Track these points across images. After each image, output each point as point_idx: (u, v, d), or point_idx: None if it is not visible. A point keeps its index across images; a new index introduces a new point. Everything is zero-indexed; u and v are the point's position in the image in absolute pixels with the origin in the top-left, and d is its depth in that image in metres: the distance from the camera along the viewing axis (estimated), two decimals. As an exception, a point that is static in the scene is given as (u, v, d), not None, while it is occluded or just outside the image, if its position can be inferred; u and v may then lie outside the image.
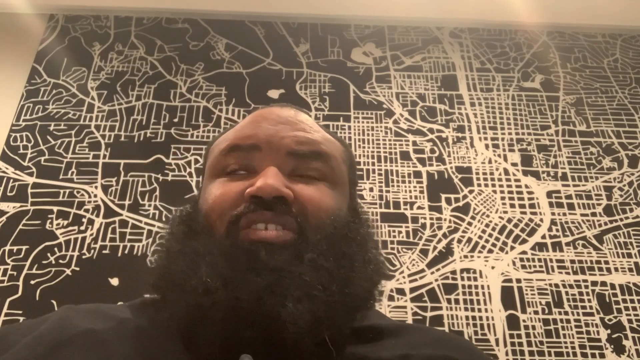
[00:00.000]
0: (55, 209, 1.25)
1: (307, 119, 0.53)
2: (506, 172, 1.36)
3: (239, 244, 0.44)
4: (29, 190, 1.27)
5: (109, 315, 0.47)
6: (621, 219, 1.30)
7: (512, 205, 1.31)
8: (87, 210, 1.25)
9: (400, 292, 1.18)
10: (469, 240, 1.26)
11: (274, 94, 1.46)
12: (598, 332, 1.14)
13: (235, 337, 0.41)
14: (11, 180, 1.28)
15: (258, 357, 0.40)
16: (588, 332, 1.14)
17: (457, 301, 1.17)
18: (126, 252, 1.20)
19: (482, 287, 1.19)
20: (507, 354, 1.11)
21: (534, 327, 1.14)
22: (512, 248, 1.25)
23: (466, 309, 1.16)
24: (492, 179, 1.35)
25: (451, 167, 1.36)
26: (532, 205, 1.31)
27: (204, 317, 0.41)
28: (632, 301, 1.19)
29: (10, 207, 1.24)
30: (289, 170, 0.48)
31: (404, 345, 0.47)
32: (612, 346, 1.13)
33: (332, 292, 0.42)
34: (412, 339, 0.49)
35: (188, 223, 0.49)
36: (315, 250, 0.44)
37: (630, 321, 1.16)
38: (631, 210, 1.31)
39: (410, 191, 1.32)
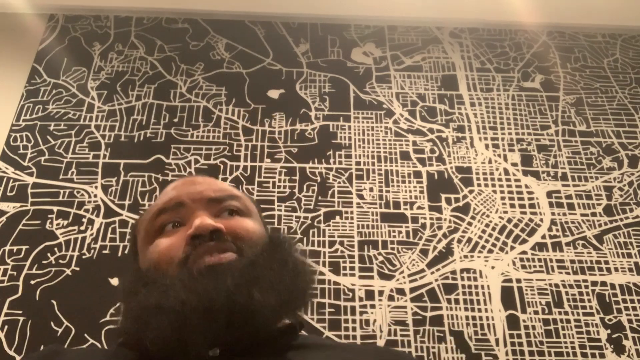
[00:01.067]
0: (55, 209, 1.25)
1: (214, 179, 0.66)
2: (506, 172, 1.36)
3: (198, 271, 0.51)
4: (29, 190, 1.27)
5: (88, 355, 0.55)
6: (621, 219, 1.30)
7: (512, 205, 1.31)
8: (87, 210, 1.25)
9: (400, 292, 1.18)
10: (469, 240, 1.26)
11: (274, 94, 1.46)
12: (598, 332, 1.14)
13: (216, 337, 0.48)
14: (11, 180, 1.28)
15: (235, 344, 0.49)
16: (588, 332, 1.14)
17: (457, 301, 1.17)
18: (126, 252, 1.20)
19: (482, 287, 1.19)
20: (507, 354, 1.11)
21: (534, 327, 1.14)
22: (512, 248, 1.25)
23: (466, 309, 1.16)
24: (492, 179, 1.35)
25: (451, 167, 1.36)
26: (532, 205, 1.31)
27: (185, 325, 0.47)
28: (632, 301, 1.18)
29: (10, 207, 1.24)
30: (213, 213, 0.58)
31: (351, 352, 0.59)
32: (612, 346, 1.13)
33: (286, 283, 0.52)
34: (354, 349, 0.62)
35: (141, 278, 0.55)
36: (261, 258, 0.53)
37: (630, 321, 1.16)
38: (631, 210, 1.31)
39: (410, 191, 1.32)
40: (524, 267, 1.22)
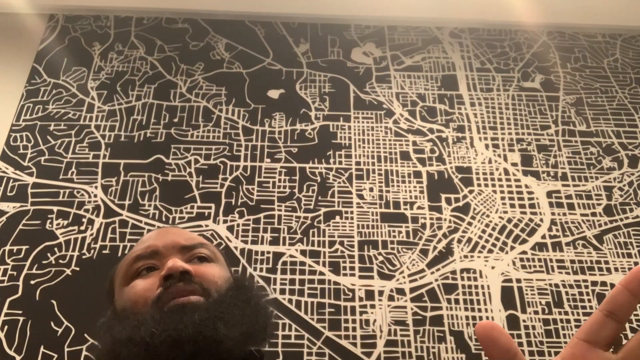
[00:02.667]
0: (55, 209, 1.25)
1: (186, 230, 0.75)
2: (506, 172, 1.36)
3: (168, 308, 0.57)
4: (29, 190, 1.27)
5: None
6: (621, 219, 1.30)
7: (512, 205, 1.31)
8: (87, 210, 1.25)
9: (400, 292, 1.18)
10: (469, 240, 1.26)
11: (274, 94, 1.46)
12: (598, 332, 1.14)
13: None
14: (11, 180, 1.28)
15: None
16: (588, 332, 1.14)
17: (457, 301, 1.17)
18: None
19: (482, 287, 1.19)
20: (507, 354, 1.11)
21: (534, 327, 1.14)
22: (512, 248, 1.25)
23: (466, 309, 1.16)
24: (492, 179, 1.35)
25: (451, 167, 1.36)
26: (532, 205, 1.31)
27: (155, 354, 0.53)
28: (632, 301, 1.18)
29: (10, 207, 1.24)
30: (185, 259, 0.64)
31: None
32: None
33: (247, 316, 0.59)
34: None
35: (117, 318, 0.61)
36: (226, 297, 0.60)
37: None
38: (631, 210, 1.31)
39: (410, 191, 1.32)
40: (524, 267, 1.22)
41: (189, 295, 0.59)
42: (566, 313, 1.16)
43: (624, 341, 0.35)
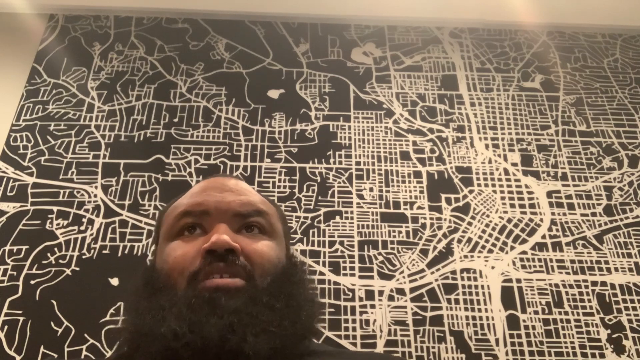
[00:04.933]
0: (55, 209, 1.25)
1: (247, 186, 0.65)
2: (506, 172, 1.36)
3: (199, 295, 0.51)
4: (29, 190, 1.27)
5: None
6: (621, 219, 1.30)
7: (512, 205, 1.31)
8: (87, 210, 1.25)
9: (400, 292, 1.18)
10: (469, 240, 1.26)
11: (274, 94, 1.46)
12: (598, 332, 1.14)
13: None
14: (11, 180, 1.28)
15: None
16: (588, 332, 1.14)
17: (457, 301, 1.17)
18: (126, 252, 1.20)
19: (482, 287, 1.19)
20: (507, 354, 1.11)
21: (534, 327, 1.14)
22: (512, 248, 1.25)
23: (466, 309, 1.16)
24: (492, 179, 1.35)
25: (451, 167, 1.36)
26: (532, 205, 1.31)
27: (175, 357, 0.48)
28: (632, 301, 1.19)
29: (10, 207, 1.24)
30: (236, 228, 0.58)
31: None
32: (612, 346, 1.13)
33: (284, 327, 0.52)
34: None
35: (151, 283, 0.56)
36: (266, 294, 0.53)
37: (630, 321, 1.16)
38: (631, 210, 1.31)
39: (410, 191, 1.32)
40: (524, 267, 1.22)
41: (228, 275, 0.53)
42: (566, 313, 1.16)
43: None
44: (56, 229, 1.22)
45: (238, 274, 0.54)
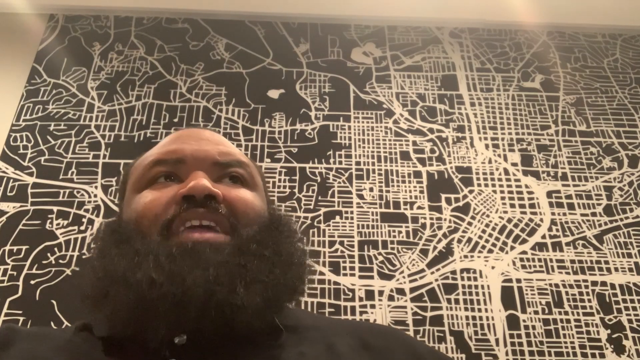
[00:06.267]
0: (55, 209, 1.25)
1: (224, 139, 0.60)
2: (506, 172, 1.36)
3: (181, 245, 0.45)
4: (29, 190, 1.27)
5: (45, 335, 0.51)
6: (621, 219, 1.30)
7: (512, 205, 1.31)
8: (87, 210, 1.25)
9: (400, 292, 1.18)
10: (469, 240, 1.26)
11: (274, 94, 1.46)
12: (598, 332, 1.14)
13: (182, 328, 0.43)
14: (11, 180, 1.28)
15: (209, 345, 0.43)
16: (588, 332, 1.14)
17: (457, 301, 1.17)
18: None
19: (482, 287, 1.19)
20: (507, 354, 1.11)
21: (534, 327, 1.14)
22: (512, 248, 1.25)
23: (466, 309, 1.16)
24: (492, 179, 1.35)
25: (451, 167, 1.36)
26: (532, 205, 1.31)
27: (149, 308, 0.42)
28: (632, 301, 1.18)
29: (10, 207, 1.24)
30: (214, 178, 0.52)
31: (331, 333, 0.52)
32: (612, 346, 1.13)
33: (276, 276, 0.46)
34: (338, 328, 0.54)
35: (118, 232, 0.50)
36: (254, 241, 0.47)
37: (630, 321, 1.16)
38: (631, 210, 1.31)
39: (410, 191, 1.32)
40: (524, 267, 1.22)
41: (209, 222, 0.47)
42: (566, 313, 1.16)
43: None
44: (56, 229, 1.22)
45: (221, 224, 0.48)
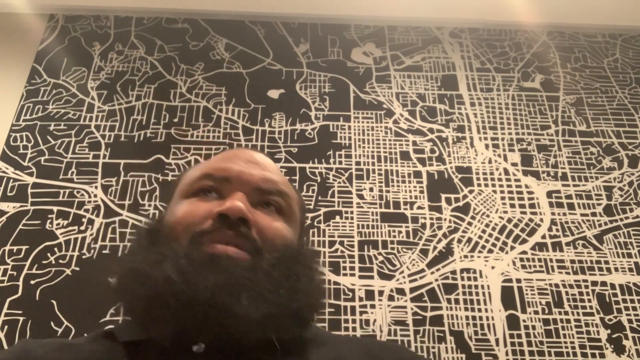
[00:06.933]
0: (55, 209, 1.25)
1: (273, 165, 0.63)
2: (506, 172, 1.36)
3: (203, 253, 0.49)
4: (29, 190, 1.27)
5: (65, 346, 0.53)
6: (621, 219, 1.30)
7: (512, 205, 1.31)
8: (87, 210, 1.25)
9: (400, 292, 1.18)
10: (469, 240, 1.26)
11: (274, 94, 1.46)
12: (598, 332, 1.14)
13: (189, 327, 0.46)
14: (11, 180, 1.28)
15: (208, 348, 0.47)
16: (588, 332, 1.14)
17: (457, 301, 1.17)
18: (126, 252, 1.19)
19: (482, 287, 1.19)
20: (507, 354, 1.11)
21: (534, 327, 1.14)
22: (512, 248, 1.25)
23: (466, 309, 1.16)
24: (492, 179, 1.35)
25: (451, 167, 1.36)
26: (532, 205, 1.31)
27: (161, 304, 0.46)
28: (632, 301, 1.19)
29: (10, 207, 1.24)
30: (254, 201, 0.55)
31: (337, 351, 0.54)
32: (612, 346, 1.13)
33: (280, 295, 0.49)
34: (344, 347, 0.56)
35: (154, 234, 0.55)
36: (267, 264, 0.50)
37: (630, 321, 1.16)
38: (631, 210, 1.31)
39: (410, 191, 1.32)
40: (524, 267, 1.22)
41: (235, 247, 0.50)
42: (566, 313, 1.16)
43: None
44: (56, 229, 1.22)
45: (245, 248, 0.51)
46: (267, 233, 0.53)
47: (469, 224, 1.28)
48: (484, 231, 1.27)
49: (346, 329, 1.12)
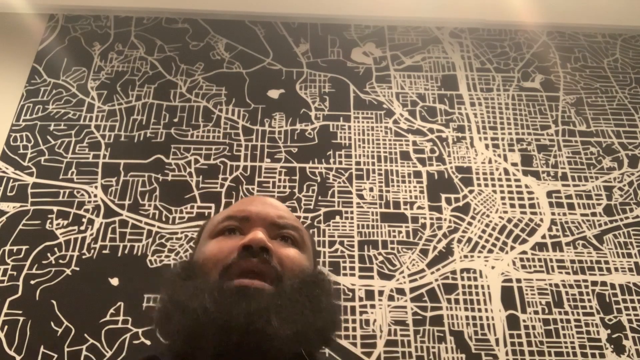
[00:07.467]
0: (55, 209, 1.25)
1: (284, 206, 0.72)
2: (506, 172, 1.36)
3: (231, 285, 0.56)
4: (29, 190, 1.27)
5: None
6: (621, 219, 1.30)
7: (512, 205, 1.31)
8: (87, 210, 1.25)
9: (400, 292, 1.18)
10: (469, 240, 1.26)
11: (274, 94, 1.46)
12: (598, 332, 1.14)
13: (228, 350, 0.52)
14: (11, 180, 1.28)
15: None
16: (588, 332, 1.14)
17: (457, 301, 1.17)
18: (126, 252, 1.20)
19: (482, 287, 1.19)
20: (507, 354, 1.11)
21: (534, 327, 1.14)
22: (512, 248, 1.25)
23: (466, 309, 1.16)
24: (492, 179, 1.35)
25: (451, 167, 1.36)
26: (532, 205, 1.31)
27: (201, 332, 0.53)
28: (632, 301, 1.19)
29: (10, 207, 1.24)
30: (271, 236, 0.64)
31: None
32: (612, 346, 1.13)
33: (305, 315, 0.56)
34: None
35: (186, 271, 0.62)
36: (290, 290, 0.58)
37: (630, 321, 1.16)
38: (631, 210, 1.31)
39: (410, 191, 1.32)
40: (524, 267, 1.22)
41: (257, 278, 0.57)
42: (566, 313, 1.16)
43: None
44: (56, 229, 1.22)
45: (268, 274, 0.58)
46: (286, 261, 0.61)
47: (469, 224, 1.28)
48: (484, 231, 1.27)
49: (346, 328, 1.12)
